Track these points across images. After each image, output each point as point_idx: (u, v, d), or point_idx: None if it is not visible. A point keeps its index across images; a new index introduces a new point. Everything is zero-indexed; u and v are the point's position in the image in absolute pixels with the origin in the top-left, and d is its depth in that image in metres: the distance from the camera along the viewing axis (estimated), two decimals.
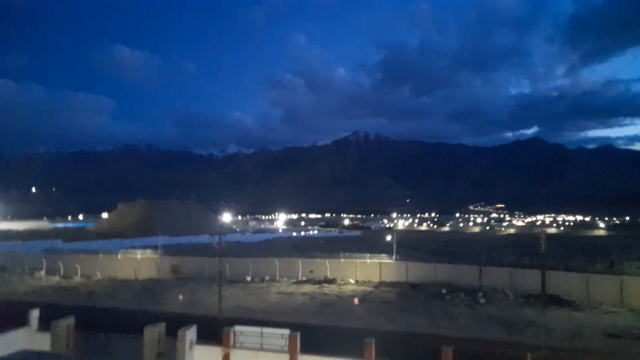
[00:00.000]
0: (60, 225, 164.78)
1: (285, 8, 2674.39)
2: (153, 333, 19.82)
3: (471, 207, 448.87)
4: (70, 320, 22.50)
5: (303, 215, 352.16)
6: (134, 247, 62.18)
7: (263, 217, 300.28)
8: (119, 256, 54.75)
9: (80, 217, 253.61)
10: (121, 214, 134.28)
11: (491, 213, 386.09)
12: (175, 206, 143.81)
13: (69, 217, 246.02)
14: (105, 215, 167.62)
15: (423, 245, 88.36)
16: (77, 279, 49.90)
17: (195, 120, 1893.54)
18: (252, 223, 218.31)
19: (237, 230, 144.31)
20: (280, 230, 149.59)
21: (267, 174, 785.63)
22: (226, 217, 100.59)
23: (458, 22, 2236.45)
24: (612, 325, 29.23)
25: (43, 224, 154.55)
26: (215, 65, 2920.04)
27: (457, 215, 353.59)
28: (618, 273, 39.84)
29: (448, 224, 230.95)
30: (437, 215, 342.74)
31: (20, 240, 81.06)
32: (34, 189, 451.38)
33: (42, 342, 19.78)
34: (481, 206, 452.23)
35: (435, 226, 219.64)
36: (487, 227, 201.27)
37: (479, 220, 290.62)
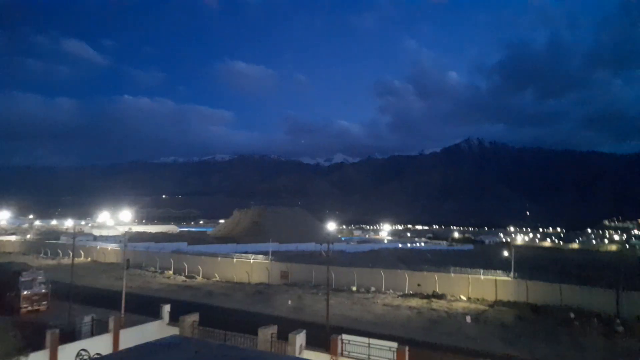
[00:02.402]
0: (185, 229, 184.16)
1: (396, 13, 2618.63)
2: (266, 334, 20.92)
3: (606, 222, 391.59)
4: (195, 317, 24.93)
5: (409, 226, 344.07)
6: (247, 252, 66.36)
7: (367, 227, 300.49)
8: (235, 260, 58.84)
9: (202, 222, 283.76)
10: (236, 220, 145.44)
11: (632, 229, 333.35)
12: (284, 213, 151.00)
13: (192, 222, 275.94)
14: (222, 221, 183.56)
15: (546, 263, 79.67)
16: (199, 279, 54.88)
17: (304, 129, 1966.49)
18: (357, 232, 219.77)
19: (342, 239, 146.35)
20: (385, 241, 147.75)
21: (373, 183, 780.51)
22: (331, 226, 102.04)
23: (594, 15, 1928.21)
24: None
25: (171, 228, 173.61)
26: (324, 73, 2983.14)
27: (589, 231, 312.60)
28: None
29: (577, 241, 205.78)
30: (564, 231, 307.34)
31: (153, 242, 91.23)
32: (164, 196, 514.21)
33: (171, 334, 21.75)
34: (618, 221, 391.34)
35: (561, 242, 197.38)
36: (627, 246, 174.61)
37: (616, 237, 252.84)
